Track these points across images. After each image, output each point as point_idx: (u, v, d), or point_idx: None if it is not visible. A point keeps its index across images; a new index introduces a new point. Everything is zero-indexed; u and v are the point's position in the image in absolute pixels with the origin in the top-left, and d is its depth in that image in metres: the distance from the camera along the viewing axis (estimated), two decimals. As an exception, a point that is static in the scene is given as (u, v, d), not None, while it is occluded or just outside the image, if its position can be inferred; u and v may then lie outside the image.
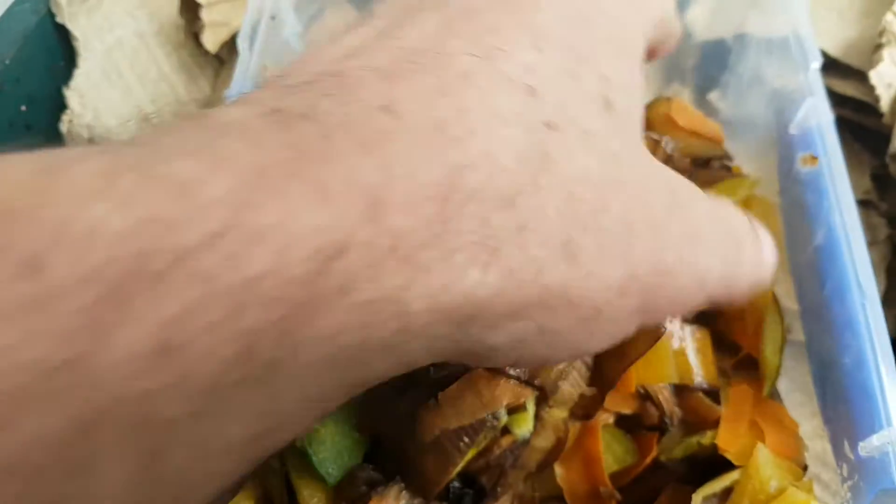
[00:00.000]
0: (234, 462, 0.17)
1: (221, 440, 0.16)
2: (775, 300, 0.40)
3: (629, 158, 0.22)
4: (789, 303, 0.45)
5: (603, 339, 0.22)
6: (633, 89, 0.24)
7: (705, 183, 0.38)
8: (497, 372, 0.30)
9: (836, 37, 0.51)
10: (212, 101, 0.59)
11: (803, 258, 0.42)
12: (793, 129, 0.43)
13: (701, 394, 0.36)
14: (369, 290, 0.17)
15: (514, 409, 0.30)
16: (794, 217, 0.43)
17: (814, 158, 0.41)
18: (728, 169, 0.45)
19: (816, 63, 0.44)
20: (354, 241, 0.17)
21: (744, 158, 0.52)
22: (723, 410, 0.36)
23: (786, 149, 0.45)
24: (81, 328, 0.14)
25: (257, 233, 0.16)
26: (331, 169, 0.17)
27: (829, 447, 0.36)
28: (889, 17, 0.49)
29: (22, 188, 0.15)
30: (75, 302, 0.14)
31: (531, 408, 0.31)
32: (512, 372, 0.30)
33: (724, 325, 0.40)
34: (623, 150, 0.22)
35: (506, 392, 0.30)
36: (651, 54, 0.29)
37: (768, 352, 0.39)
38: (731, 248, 0.25)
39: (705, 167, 0.45)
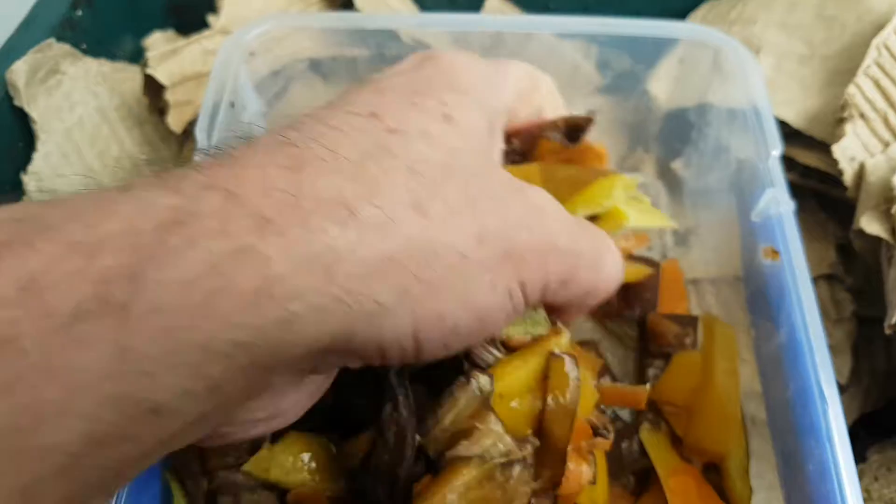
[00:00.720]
0: (94, 401, 0.19)
1: (82, 374, 0.19)
2: (742, 425, 0.41)
3: (470, 155, 0.28)
4: (755, 385, 0.45)
5: (486, 289, 0.26)
6: (473, 117, 0.30)
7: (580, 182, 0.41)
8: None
9: (798, 107, 0.51)
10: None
11: (767, 351, 0.42)
12: (754, 217, 0.43)
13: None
14: (221, 244, 0.20)
15: None
16: (758, 306, 0.43)
17: (775, 253, 0.41)
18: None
19: (776, 151, 0.43)
20: (203, 210, 0.21)
21: (707, 229, 0.52)
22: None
23: (748, 235, 0.45)
24: None
25: (112, 210, 0.20)
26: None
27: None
28: (851, 90, 0.48)
29: None
30: None
31: None
32: None
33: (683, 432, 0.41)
34: (464, 148, 0.28)
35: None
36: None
37: (737, 484, 0.39)
38: (587, 236, 0.31)
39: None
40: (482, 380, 0.30)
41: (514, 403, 0.30)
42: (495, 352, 0.31)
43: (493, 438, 0.29)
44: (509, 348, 0.32)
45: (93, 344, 0.19)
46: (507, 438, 0.29)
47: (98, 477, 0.20)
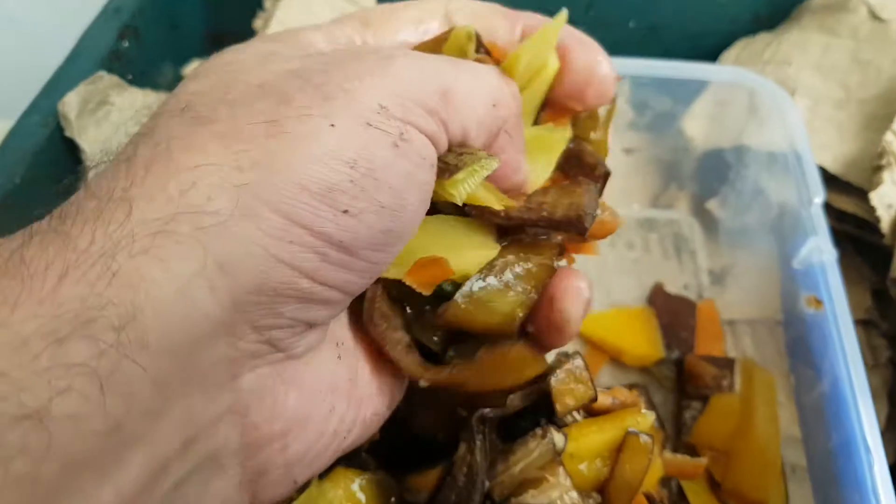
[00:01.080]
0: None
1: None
2: (782, 472, 0.41)
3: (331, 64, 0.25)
4: (794, 430, 0.45)
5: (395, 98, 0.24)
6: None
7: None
8: None
9: (835, 152, 0.52)
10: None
11: (808, 399, 0.42)
12: (796, 265, 0.44)
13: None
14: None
15: None
16: (799, 353, 0.44)
17: (818, 302, 0.41)
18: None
19: (819, 198, 0.44)
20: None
21: (744, 270, 0.53)
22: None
23: (789, 281, 0.45)
24: None
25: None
26: None
27: None
28: (889, 136, 0.49)
29: None
30: None
31: None
32: None
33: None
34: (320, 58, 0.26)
35: None
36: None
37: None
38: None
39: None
40: (557, 437, 0.30)
41: (582, 466, 0.31)
42: (576, 414, 0.32)
43: (560, 491, 0.29)
44: (591, 413, 0.33)
45: None
46: (574, 493, 0.29)
47: None
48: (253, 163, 0.22)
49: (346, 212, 0.22)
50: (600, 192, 0.30)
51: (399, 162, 0.24)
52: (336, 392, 0.26)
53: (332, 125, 0.23)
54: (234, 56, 0.26)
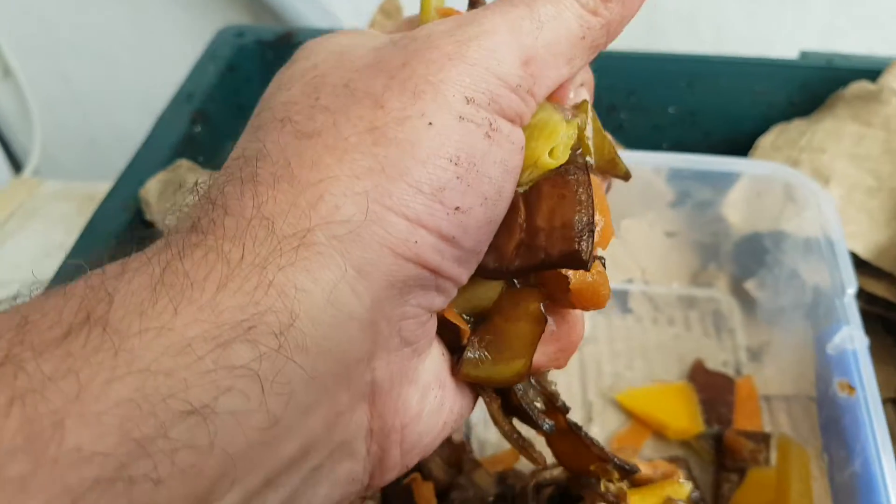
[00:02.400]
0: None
1: None
2: None
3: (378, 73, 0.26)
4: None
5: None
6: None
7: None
8: None
9: (867, 239, 0.55)
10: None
11: (841, 478, 0.45)
12: (830, 350, 0.47)
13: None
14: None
15: None
16: (833, 433, 0.47)
17: (851, 388, 0.44)
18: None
19: (852, 289, 0.47)
20: None
21: (781, 348, 0.56)
22: None
23: (823, 366, 0.48)
24: None
25: None
26: None
27: None
28: (917, 226, 0.52)
29: None
30: None
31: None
32: None
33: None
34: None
35: None
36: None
37: None
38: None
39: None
40: None
41: (627, 532, 0.34)
42: (621, 485, 0.35)
43: None
44: (633, 483, 0.36)
45: None
46: None
47: None
48: (368, 170, 0.24)
49: (457, 209, 0.24)
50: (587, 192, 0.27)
51: (493, 151, 0.25)
52: (444, 387, 0.28)
53: (430, 123, 0.24)
54: (306, 62, 0.28)
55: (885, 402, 0.52)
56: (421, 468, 0.47)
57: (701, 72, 0.66)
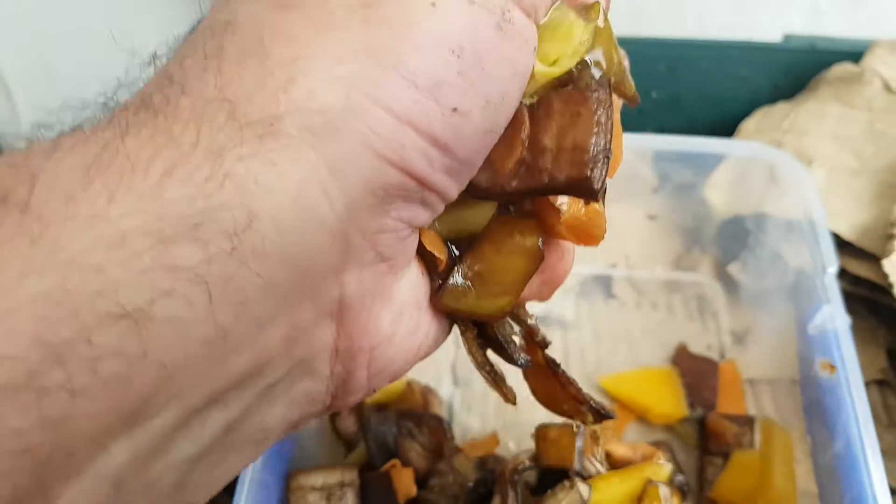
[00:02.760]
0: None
1: None
2: None
3: None
4: (811, 486, 0.47)
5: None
6: None
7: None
8: None
9: (850, 220, 0.55)
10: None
11: (824, 459, 0.45)
12: (811, 330, 0.47)
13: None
14: None
15: None
16: (815, 414, 0.46)
17: (832, 367, 0.44)
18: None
19: (833, 268, 0.47)
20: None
21: (764, 331, 0.55)
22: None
23: (805, 346, 0.48)
24: None
25: None
26: None
27: None
28: (900, 206, 0.52)
29: None
30: None
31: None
32: None
33: None
34: None
35: None
36: None
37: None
38: None
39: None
40: (583, 487, 0.33)
41: (606, 514, 0.34)
42: (599, 465, 0.35)
43: None
44: (613, 465, 0.36)
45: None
46: None
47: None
48: (353, 53, 0.20)
49: (455, 110, 0.21)
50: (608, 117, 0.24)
51: (502, 47, 0.21)
52: (421, 309, 0.25)
53: (433, 4, 0.20)
54: None
55: (870, 383, 0.52)
56: (400, 455, 0.46)
57: (683, 56, 0.65)
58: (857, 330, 0.53)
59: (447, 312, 0.27)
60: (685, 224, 0.60)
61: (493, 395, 0.51)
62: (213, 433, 0.20)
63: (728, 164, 0.57)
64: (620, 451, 0.38)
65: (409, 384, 0.52)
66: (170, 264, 0.17)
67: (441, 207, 0.23)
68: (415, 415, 0.49)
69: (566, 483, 0.36)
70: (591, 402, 0.31)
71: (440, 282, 0.25)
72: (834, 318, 0.45)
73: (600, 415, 0.31)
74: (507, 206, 0.26)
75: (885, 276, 0.51)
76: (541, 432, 0.41)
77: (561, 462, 0.38)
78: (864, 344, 0.54)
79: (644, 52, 0.66)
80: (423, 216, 0.23)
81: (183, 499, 0.20)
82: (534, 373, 0.31)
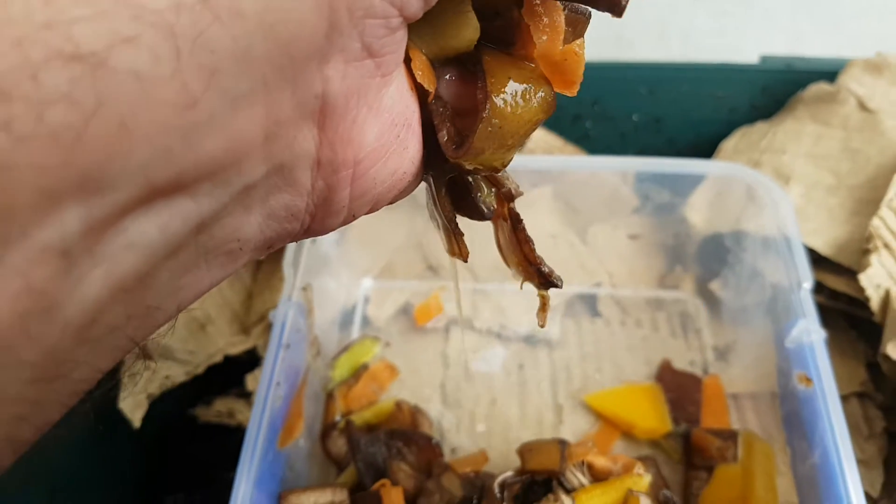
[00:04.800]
0: None
1: None
2: None
3: None
4: (793, 497, 0.48)
5: None
6: None
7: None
8: None
9: (826, 236, 0.56)
10: (252, 292, 0.63)
11: (802, 469, 0.46)
12: (788, 344, 0.48)
13: None
14: None
15: None
16: (794, 426, 0.47)
17: (808, 380, 0.45)
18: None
19: (808, 283, 0.48)
20: None
21: (746, 346, 0.56)
22: None
23: (783, 360, 0.49)
24: None
25: None
26: None
27: None
28: (876, 221, 0.53)
29: None
30: None
31: None
32: None
33: None
34: None
35: None
36: None
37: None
38: None
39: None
40: (566, 500, 0.34)
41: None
42: (582, 478, 0.36)
43: None
44: (595, 476, 0.37)
45: None
46: None
47: None
48: None
49: None
50: None
51: None
52: (410, 129, 0.24)
53: None
54: None
55: (849, 395, 0.53)
56: (390, 475, 0.47)
57: (663, 78, 0.67)
58: (837, 343, 0.54)
59: (455, 165, 0.25)
60: (667, 243, 0.61)
61: (483, 415, 0.52)
62: (182, 227, 0.19)
63: (707, 184, 0.58)
64: (601, 462, 0.40)
65: (399, 404, 0.53)
66: (134, 3, 0.15)
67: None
68: (404, 435, 0.50)
69: (550, 497, 0.37)
70: (542, 266, 0.30)
71: (466, 143, 0.24)
72: (810, 332, 0.46)
73: (547, 280, 0.31)
74: (490, 26, 0.25)
75: (862, 290, 0.52)
76: (525, 446, 0.42)
77: (544, 466, 0.39)
78: (845, 357, 0.55)
79: (625, 75, 0.67)
80: (414, 7, 0.21)
81: (145, 298, 0.19)
82: (498, 224, 0.31)
